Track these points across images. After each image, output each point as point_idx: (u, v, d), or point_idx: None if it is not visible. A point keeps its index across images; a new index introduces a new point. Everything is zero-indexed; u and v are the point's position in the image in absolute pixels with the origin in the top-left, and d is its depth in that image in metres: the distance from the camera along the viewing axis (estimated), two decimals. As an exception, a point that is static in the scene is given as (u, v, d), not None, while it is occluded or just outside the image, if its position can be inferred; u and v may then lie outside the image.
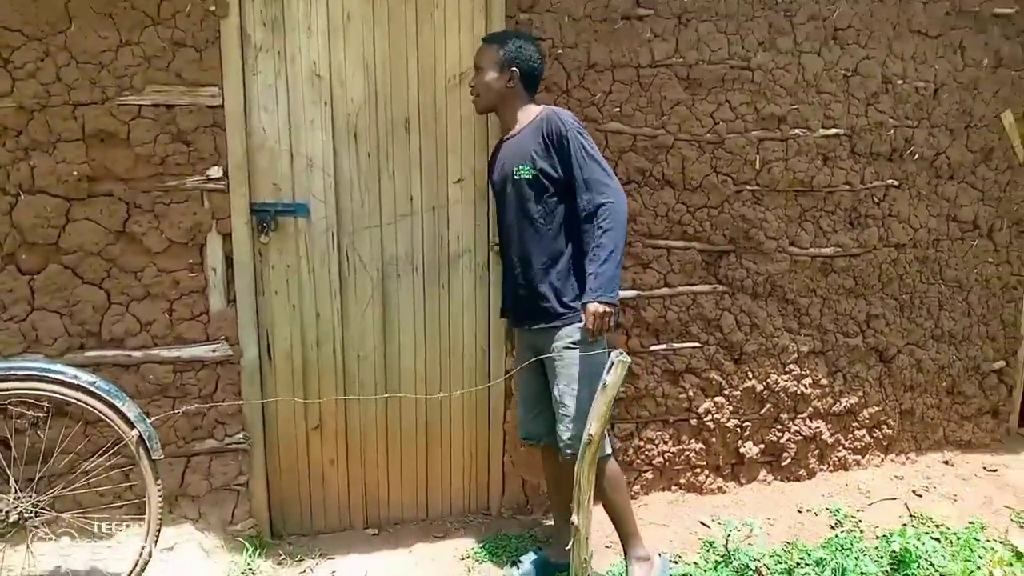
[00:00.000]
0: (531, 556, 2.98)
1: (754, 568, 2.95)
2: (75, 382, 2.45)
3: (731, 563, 2.99)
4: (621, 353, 2.41)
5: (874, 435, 3.77)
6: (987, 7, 3.55)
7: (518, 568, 2.94)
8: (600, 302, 2.52)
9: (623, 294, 3.21)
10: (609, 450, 2.75)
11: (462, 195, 3.17)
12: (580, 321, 2.62)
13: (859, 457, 3.77)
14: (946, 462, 3.91)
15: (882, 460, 3.82)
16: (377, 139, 3.06)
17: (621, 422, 3.36)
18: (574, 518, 2.51)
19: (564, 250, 2.69)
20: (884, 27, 3.37)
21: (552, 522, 3.21)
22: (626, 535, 2.83)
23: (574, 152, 2.58)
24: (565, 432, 2.69)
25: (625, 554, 2.84)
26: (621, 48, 3.08)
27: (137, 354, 2.82)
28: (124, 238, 2.78)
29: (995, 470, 3.86)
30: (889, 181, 3.53)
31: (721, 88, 3.19)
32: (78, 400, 2.45)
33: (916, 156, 3.53)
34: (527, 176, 2.65)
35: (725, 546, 3.04)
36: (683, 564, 3.05)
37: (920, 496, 3.60)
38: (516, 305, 2.85)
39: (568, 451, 2.69)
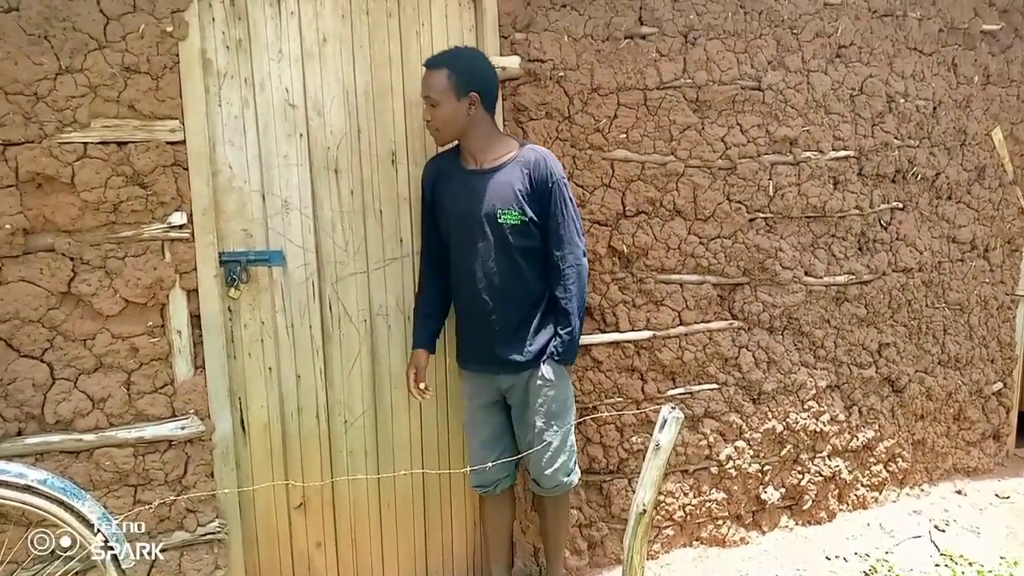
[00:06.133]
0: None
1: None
2: (19, 481, 1.98)
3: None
4: (673, 408, 2.13)
5: (890, 469, 3.59)
6: (975, 24, 3.47)
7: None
8: (562, 364, 2.59)
9: (637, 336, 2.96)
10: (577, 479, 2.72)
11: (457, 234, 2.84)
12: (551, 358, 2.57)
13: (876, 493, 3.57)
14: (959, 491, 3.76)
15: (898, 495, 3.64)
16: (361, 174, 2.72)
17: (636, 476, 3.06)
18: (624, 599, 2.20)
19: (545, 291, 2.59)
20: (884, 44, 3.23)
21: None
22: (555, 565, 2.85)
23: (556, 203, 2.49)
24: (548, 467, 2.60)
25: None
26: (626, 69, 2.83)
27: (90, 437, 2.36)
28: (69, 300, 2.34)
29: (1007, 497, 3.73)
30: (895, 204, 3.38)
31: (731, 110, 2.96)
32: (25, 504, 1.98)
33: (919, 177, 3.40)
34: (514, 222, 2.48)
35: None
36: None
37: (943, 531, 3.42)
38: (482, 348, 2.61)
39: (552, 485, 2.64)
